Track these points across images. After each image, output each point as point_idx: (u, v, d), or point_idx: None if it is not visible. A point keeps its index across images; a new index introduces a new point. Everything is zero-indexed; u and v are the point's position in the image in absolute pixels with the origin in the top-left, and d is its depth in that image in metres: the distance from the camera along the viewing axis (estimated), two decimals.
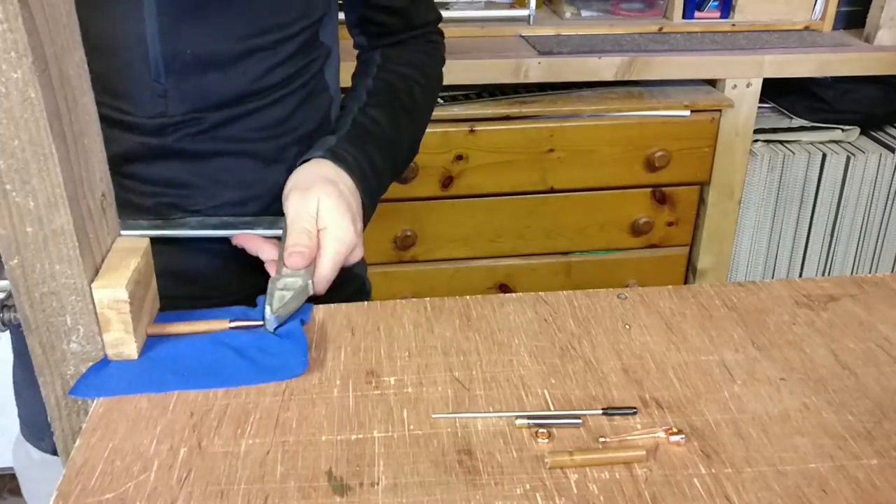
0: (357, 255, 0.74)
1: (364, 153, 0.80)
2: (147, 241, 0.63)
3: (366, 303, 0.70)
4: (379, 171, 0.81)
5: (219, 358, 0.62)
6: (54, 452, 0.86)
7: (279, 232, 0.74)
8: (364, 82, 0.88)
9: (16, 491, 1.78)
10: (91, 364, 0.60)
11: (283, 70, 0.80)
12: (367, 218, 0.79)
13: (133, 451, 0.53)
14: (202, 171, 0.79)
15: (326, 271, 0.71)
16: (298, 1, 0.78)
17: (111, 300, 0.58)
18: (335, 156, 0.78)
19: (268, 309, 0.65)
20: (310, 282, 0.68)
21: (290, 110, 0.82)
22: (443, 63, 0.96)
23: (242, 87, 0.77)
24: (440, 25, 0.96)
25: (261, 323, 0.66)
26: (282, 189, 0.76)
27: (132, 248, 0.62)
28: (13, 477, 1.76)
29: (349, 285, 0.93)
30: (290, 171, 0.78)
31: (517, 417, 0.56)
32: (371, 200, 0.80)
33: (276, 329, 0.65)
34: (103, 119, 0.71)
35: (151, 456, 0.53)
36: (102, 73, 0.70)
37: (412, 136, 0.89)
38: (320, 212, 0.72)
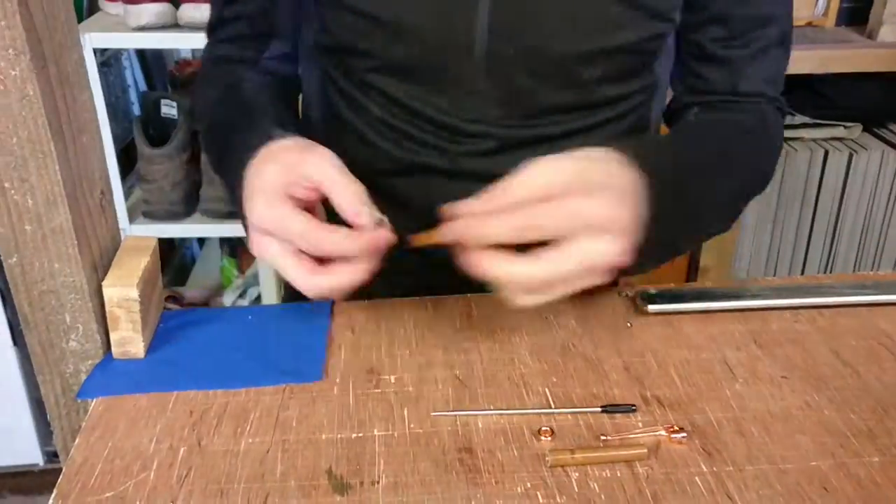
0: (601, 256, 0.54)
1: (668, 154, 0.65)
2: (155, 240, 0.63)
3: (366, 301, 0.70)
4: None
5: (228, 358, 0.62)
6: None
7: None
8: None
9: (16, 490, 1.78)
10: (90, 362, 0.60)
11: (609, 88, 0.71)
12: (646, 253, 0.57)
13: (133, 450, 0.53)
14: None
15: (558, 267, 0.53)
16: (639, 14, 0.68)
17: (121, 299, 0.58)
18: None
19: None
20: None
21: (609, 136, 0.73)
22: (774, 145, 0.77)
23: (561, 98, 0.70)
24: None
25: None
26: None
27: (141, 246, 0.62)
28: (13, 475, 1.77)
29: None
30: None
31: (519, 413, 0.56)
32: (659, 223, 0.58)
33: None
34: (421, 117, 0.71)
35: (151, 455, 0.53)
36: (426, 68, 0.69)
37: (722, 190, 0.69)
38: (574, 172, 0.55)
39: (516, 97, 0.70)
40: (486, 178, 0.57)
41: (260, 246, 0.57)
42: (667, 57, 0.76)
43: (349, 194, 0.56)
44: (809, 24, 1.80)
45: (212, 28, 0.81)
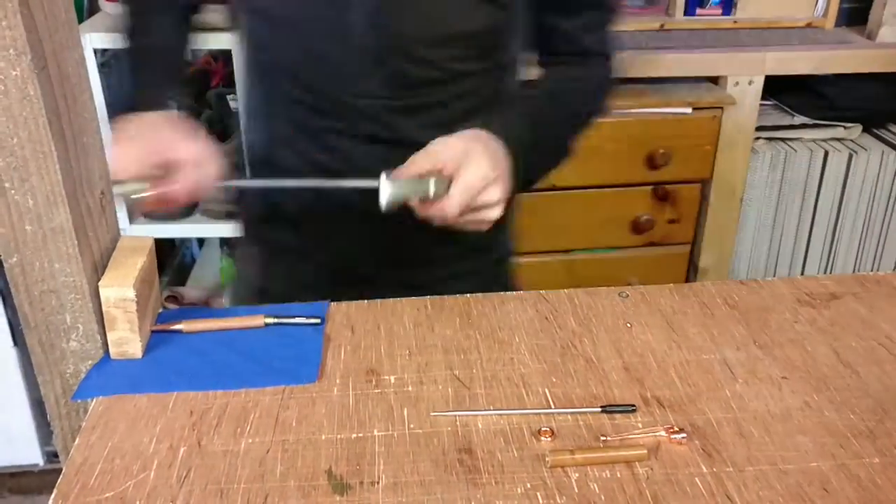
0: (492, 197, 0.72)
1: (514, 126, 0.81)
2: (151, 239, 0.63)
3: (366, 301, 0.70)
4: (527, 147, 0.80)
5: (224, 359, 0.62)
6: None
7: (375, 183, 0.71)
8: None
9: (16, 490, 1.78)
10: (90, 363, 0.60)
11: (466, 65, 0.84)
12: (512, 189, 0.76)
13: (133, 450, 0.53)
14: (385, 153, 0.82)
15: (455, 197, 0.70)
16: (483, 4, 0.82)
17: (118, 299, 0.58)
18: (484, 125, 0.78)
19: (383, 175, 0.68)
20: (431, 183, 0.69)
21: (467, 106, 0.86)
22: (609, 86, 0.94)
23: (427, 74, 0.83)
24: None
25: (296, 321, 0.66)
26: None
27: (137, 246, 0.62)
28: (13, 476, 1.77)
29: (494, 251, 0.97)
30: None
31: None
32: (517, 170, 0.77)
33: (386, 206, 0.67)
34: (320, 94, 0.84)
35: (151, 455, 0.53)
36: (321, 56, 0.82)
37: (565, 132, 0.89)
38: (459, 146, 0.72)
39: (391, 75, 0.82)
40: (379, 139, 0.83)
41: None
42: (517, 38, 0.88)
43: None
44: (809, 24, 1.80)
45: None
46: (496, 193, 0.72)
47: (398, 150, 0.78)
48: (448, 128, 0.81)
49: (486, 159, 0.72)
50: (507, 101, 0.91)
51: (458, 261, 0.91)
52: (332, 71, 0.83)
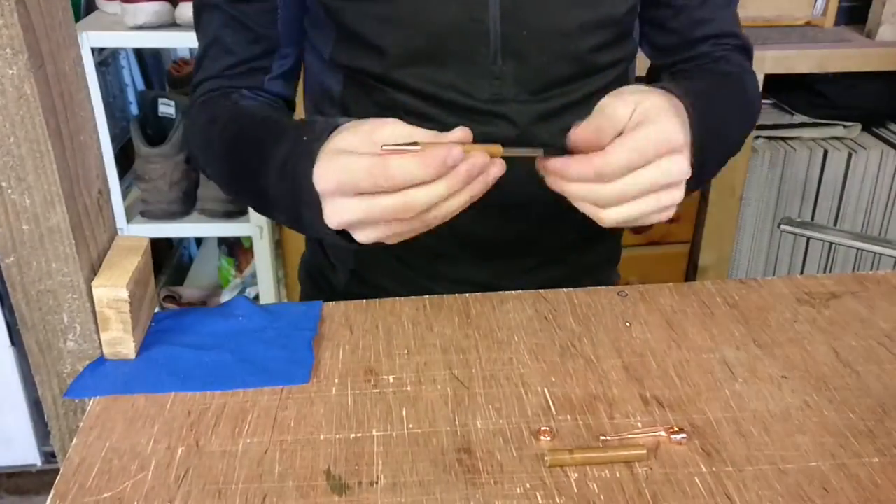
0: (674, 168, 0.57)
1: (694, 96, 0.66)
2: (147, 239, 0.63)
3: (364, 301, 0.70)
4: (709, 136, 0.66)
5: (217, 360, 0.61)
6: None
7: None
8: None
9: (13, 490, 1.78)
10: (88, 362, 0.60)
11: (603, 56, 0.78)
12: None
13: (130, 450, 0.53)
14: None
15: (614, 155, 0.56)
16: None
17: (111, 299, 0.57)
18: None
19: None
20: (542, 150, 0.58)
21: (615, 76, 0.80)
22: (756, 83, 0.85)
23: (566, 70, 0.76)
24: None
25: (411, 147, 0.55)
26: None
27: (132, 246, 0.62)
28: (10, 476, 1.77)
29: (603, 245, 0.89)
30: None
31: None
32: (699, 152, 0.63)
33: None
34: (434, 101, 0.74)
35: (149, 455, 0.53)
36: (443, 57, 0.74)
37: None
38: (639, 107, 0.58)
39: (529, 74, 0.75)
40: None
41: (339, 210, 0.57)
42: (636, 27, 0.84)
43: (436, 139, 0.56)
44: (808, 23, 1.80)
45: (206, 57, 0.78)
46: (679, 165, 0.57)
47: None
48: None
49: (673, 119, 0.57)
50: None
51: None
52: (460, 71, 0.74)
